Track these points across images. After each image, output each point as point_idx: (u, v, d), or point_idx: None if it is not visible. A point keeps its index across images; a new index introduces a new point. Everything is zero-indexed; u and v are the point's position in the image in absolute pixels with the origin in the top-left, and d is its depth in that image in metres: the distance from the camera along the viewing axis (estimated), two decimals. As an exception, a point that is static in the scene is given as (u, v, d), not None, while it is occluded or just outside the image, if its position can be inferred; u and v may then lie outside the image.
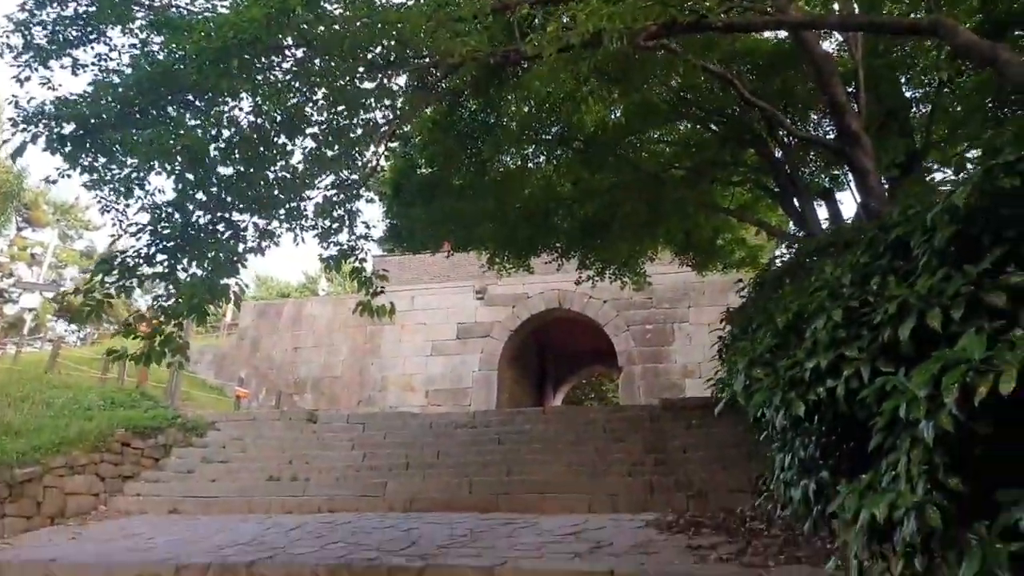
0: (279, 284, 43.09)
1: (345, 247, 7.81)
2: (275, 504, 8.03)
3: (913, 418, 2.36)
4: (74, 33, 6.43)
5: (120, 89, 5.82)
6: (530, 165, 8.84)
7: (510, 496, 7.61)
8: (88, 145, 5.97)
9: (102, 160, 6.83)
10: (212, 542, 6.33)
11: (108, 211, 6.84)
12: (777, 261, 7.90)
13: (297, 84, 6.69)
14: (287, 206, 7.55)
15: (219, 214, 6.75)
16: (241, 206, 7.12)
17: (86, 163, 6.87)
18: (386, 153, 8.67)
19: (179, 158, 6.78)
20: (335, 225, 7.43)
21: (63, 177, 6.15)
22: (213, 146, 6.42)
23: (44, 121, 5.77)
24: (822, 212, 8.67)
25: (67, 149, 5.82)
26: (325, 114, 7.11)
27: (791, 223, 9.21)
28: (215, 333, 23.26)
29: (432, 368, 18.41)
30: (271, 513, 7.85)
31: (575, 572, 4.67)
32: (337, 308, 20.09)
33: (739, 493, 7.07)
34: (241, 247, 6.49)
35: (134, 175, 6.99)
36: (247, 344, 20.19)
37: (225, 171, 7.07)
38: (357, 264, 7.61)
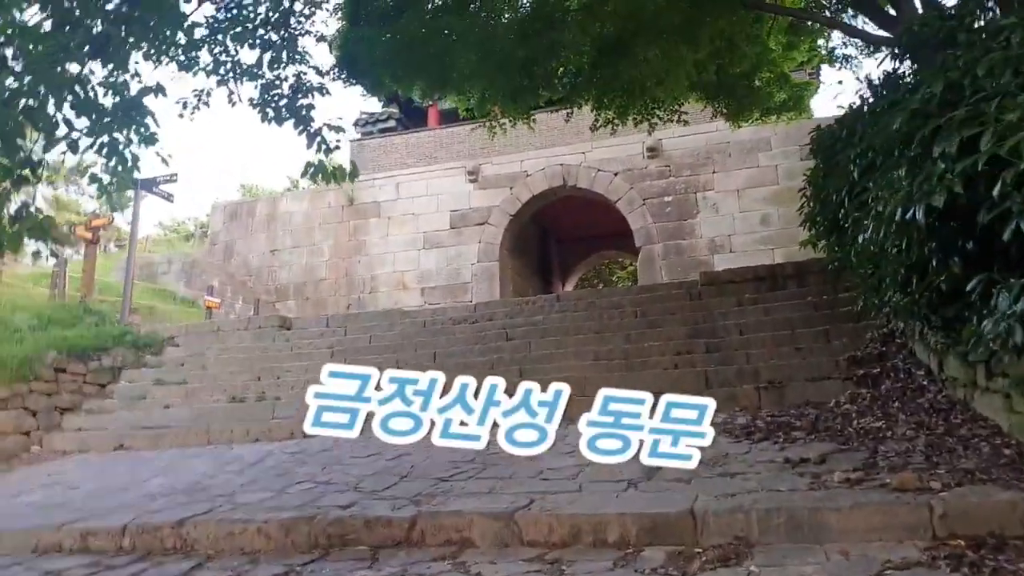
0: (264, 192, 40.98)
1: (288, 95, 6.09)
2: (238, 431, 6.66)
3: None
4: None
5: None
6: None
7: (527, 402, 6.20)
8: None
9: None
10: (146, 489, 4.97)
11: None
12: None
13: None
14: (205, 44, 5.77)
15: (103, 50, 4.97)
16: (134, 41, 5.35)
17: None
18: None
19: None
20: (271, 61, 5.68)
21: None
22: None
23: None
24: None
25: None
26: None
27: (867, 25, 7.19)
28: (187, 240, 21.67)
29: (426, 263, 16.86)
30: (233, 443, 6.50)
31: (638, 515, 3.24)
32: (315, 203, 18.33)
33: (824, 381, 5.64)
34: (131, 84, 4.79)
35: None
36: (219, 250, 18.57)
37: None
38: (304, 113, 5.91)
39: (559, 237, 21.33)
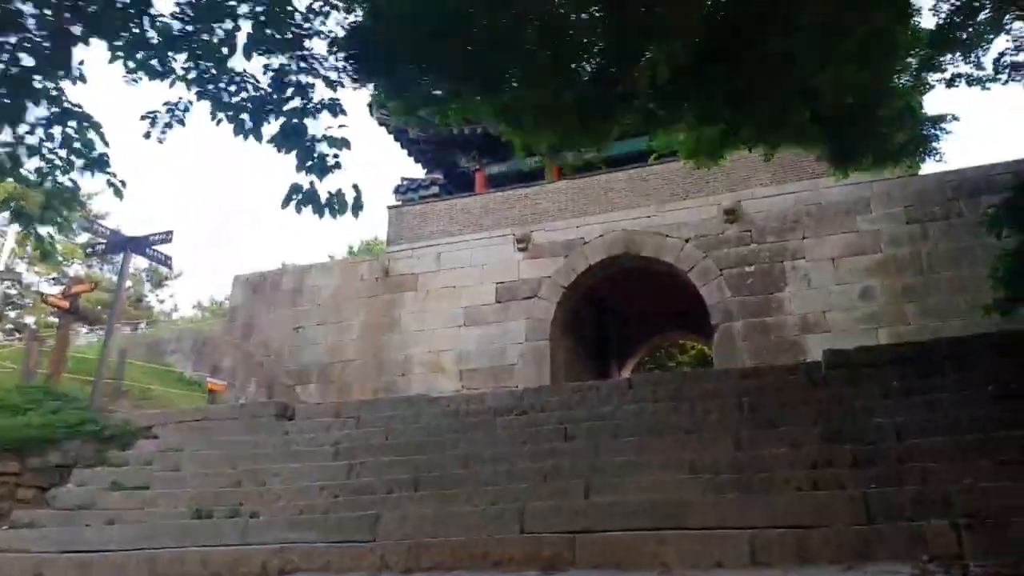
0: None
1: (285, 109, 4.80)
2: (192, 561, 5.03)
3: None
4: None
5: None
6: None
7: (594, 537, 4.43)
8: None
9: None
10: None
11: None
12: None
13: None
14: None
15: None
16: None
17: None
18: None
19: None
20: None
21: None
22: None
23: None
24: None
25: None
26: None
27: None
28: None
29: (466, 342, 15.30)
30: (180, 581, 4.86)
31: None
32: (346, 275, 17.20)
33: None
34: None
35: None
36: (239, 327, 17.40)
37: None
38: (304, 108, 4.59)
39: (618, 315, 19.62)
